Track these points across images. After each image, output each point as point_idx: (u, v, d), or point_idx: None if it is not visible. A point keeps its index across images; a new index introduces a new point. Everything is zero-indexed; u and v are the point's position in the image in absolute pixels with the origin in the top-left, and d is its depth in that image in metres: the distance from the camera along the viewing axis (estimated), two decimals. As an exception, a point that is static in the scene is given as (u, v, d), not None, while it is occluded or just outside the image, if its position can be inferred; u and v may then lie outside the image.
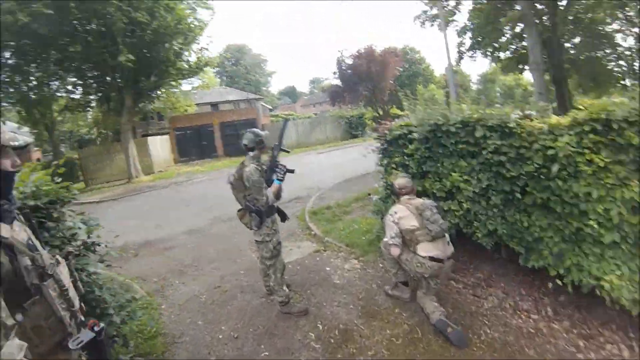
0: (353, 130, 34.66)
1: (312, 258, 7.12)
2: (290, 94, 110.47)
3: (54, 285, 1.98)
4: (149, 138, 28.38)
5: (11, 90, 23.26)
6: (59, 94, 26.23)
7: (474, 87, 76.15)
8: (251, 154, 4.94)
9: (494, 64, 29.51)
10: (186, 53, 24.17)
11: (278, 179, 4.98)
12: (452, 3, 22.63)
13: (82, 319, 2.19)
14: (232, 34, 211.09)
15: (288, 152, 5.49)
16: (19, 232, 1.98)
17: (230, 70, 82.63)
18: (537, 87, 15.27)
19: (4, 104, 24.94)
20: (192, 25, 22.38)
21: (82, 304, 2.26)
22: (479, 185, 4.96)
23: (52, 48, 20.72)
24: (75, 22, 19.39)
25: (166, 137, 32.25)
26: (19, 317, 1.75)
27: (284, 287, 5.20)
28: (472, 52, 24.62)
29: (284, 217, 5.34)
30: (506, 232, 4.84)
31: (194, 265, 7.63)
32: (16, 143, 1.88)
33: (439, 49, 74.99)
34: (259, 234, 4.98)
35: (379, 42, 42.50)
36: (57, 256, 2.15)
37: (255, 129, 5.09)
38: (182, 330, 5.14)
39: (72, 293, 2.11)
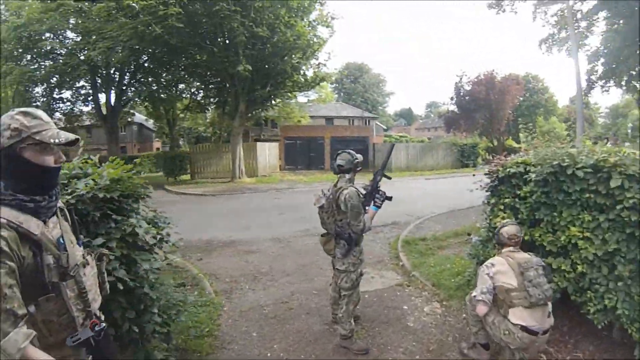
0: (465, 159, 33.36)
1: (392, 291, 6.63)
2: (406, 115, 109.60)
3: (74, 286, 1.96)
4: (258, 143, 29.63)
5: (144, 88, 28.23)
6: (183, 96, 31.47)
7: (601, 120, 70.79)
8: (347, 176, 4.66)
9: (628, 96, 26.28)
10: (303, 67, 24.78)
11: (376, 206, 4.72)
12: (583, 24, 20.54)
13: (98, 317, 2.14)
14: (353, 53, 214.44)
15: (389, 178, 5.27)
16: (52, 229, 1.97)
17: (348, 87, 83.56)
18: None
19: (136, 99, 30.30)
20: (311, 42, 22.88)
21: (98, 312, 2.18)
22: (604, 247, 4.06)
23: (182, 56, 23.72)
24: (203, 34, 21.22)
25: (275, 144, 32.79)
26: (32, 308, 1.77)
27: (351, 321, 4.77)
28: (603, 81, 22.08)
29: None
30: (628, 313, 3.88)
31: (269, 275, 7.53)
32: (57, 140, 1.85)
33: (564, 77, 70.15)
34: (342, 262, 4.68)
35: (500, 68, 40.64)
36: (89, 256, 2.15)
37: (351, 150, 4.80)
38: (234, 338, 5.08)
39: (92, 295, 2.07)
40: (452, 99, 36.31)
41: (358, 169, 4.72)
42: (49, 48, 24.17)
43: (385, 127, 76.57)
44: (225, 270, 7.69)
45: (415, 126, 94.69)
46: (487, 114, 33.61)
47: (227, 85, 25.02)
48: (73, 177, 3.40)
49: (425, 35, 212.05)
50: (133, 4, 18.64)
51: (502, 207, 5.29)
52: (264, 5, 19.71)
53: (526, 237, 4.74)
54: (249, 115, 26.84)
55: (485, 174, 5.68)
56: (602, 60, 21.75)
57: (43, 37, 23.81)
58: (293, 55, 22.81)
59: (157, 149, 50.89)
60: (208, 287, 6.72)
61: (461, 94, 35.10)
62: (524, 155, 5.38)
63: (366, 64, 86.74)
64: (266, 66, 23.15)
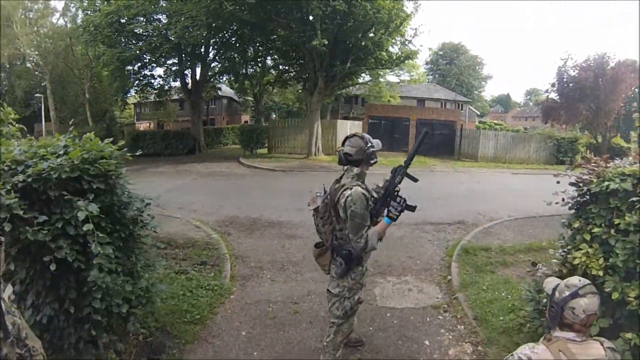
0: (561, 155, 29.32)
1: (422, 315, 5.45)
2: (504, 102, 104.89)
3: None
4: (339, 121, 28.93)
5: (227, 63, 30.20)
6: (266, 70, 33.40)
7: None
8: (356, 170, 3.46)
9: None
10: (386, 43, 23.51)
11: (389, 217, 3.40)
12: None
13: None
14: (450, 33, 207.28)
15: (416, 180, 3.64)
16: None
17: (443, 69, 79.88)
18: None
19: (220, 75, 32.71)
20: (394, 16, 21.54)
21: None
22: None
23: (261, 31, 24.30)
24: (279, 8, 21.09)
25: (359, 122, 31.92)
26: None
27: (337, 354, 3.85)
28: None
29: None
30: None
31: (298, 266, 7.11)
32: None
33: None
34: (337, 283, 3.67)
35: (614, 52, 35.10)
36: None
37: (365, 134, 3.56)
38: (222, 332, 4.86)
39: None
40: (553, 85, 32.04)
41: (373, 160, 3.51)
42: (140, 31, 25.46)
43: (479, 113, 73.32)
44: (256, 254, 7.51)
45: (512, 114, 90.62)
46: (593, 105, 29.42)
47: (306, 60, 24.97)
48: (40, 156, 3.46)
49: (528, 16, 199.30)
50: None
51: (588, 237, 3.58)
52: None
53: (615, 295, 3.14)
54: (328, 92, 26.33)
55: (572, 184, 3.89)
56: None
57: (133, 21, 25.40)
58: (374, 31, 22.07)
59: (246, 121, 51.94)
60: (227, 269, 6.66)
61: (564, 79, 30.90)
62: (635, 163, 3.58)
63: (463, 44, 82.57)
64: (346, 41, 22.73)
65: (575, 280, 2.32)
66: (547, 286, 2.46)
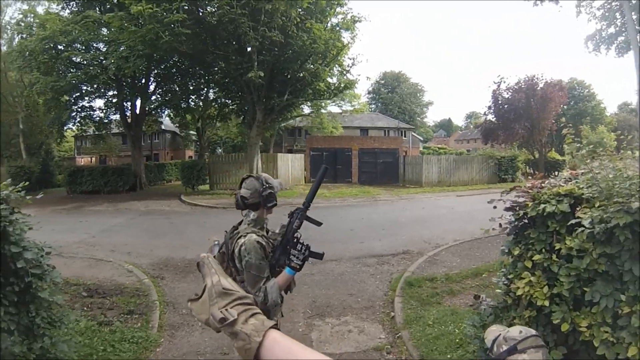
0: (502, 173, 30.77)
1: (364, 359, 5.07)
2: (446, 126, 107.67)
3: None
4: (280, 154, 28.64)
5: (168, 96, 29.43)
6: (207, 104, 32.85)
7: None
8: (252, 215, 3.10)
9: None
10: (323, 74, 23.37)
11: (291, 267, 2.91)
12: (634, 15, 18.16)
13: None
14: (390, 62, 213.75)
15: (319, 224, 3.17)
16: None
17: (385, 97, 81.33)
18: None
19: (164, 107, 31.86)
20: (330, 46, 21.68)
21: None
22: None
23: (200, 64, 23.94)
24: (216, 40, 20.89)
25: (301, 155, 32.12)
26: None
27: None
28: None
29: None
30: None
31: None
32: None
33: (611, 82, 67.27)
34: None
35: (542, 73, 37.80)
36: None
37: (263, 175, 3.23)
38: None
39: None
40: (489, 107, 33.92)
41: (270, 203, 3.11)
42: (77, 59, 24.52)
43: (423, 139, 74.71)
44: (183, 298, 7.01)
45: (455, 137, 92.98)
46: (528, 124, 31.05)
47: (244, 93, 24.26)
48: None
49: (464, 43, 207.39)
50: (140, 11, 18.26)
51: (530, 265, 3.28)
52: (275, 7, 18.48)
53: (565, 327, 2.87)
54: (267, 124, 25.91)
55: (507, 209, 3.57)
56: None
57: (70, 48, 24.22)
58: (312, 61, 22.00)
59: (190, 157, 51.02)
60: (156, 318, 6.18)
61: (499, 102, 32.62)
62: (571, 179, 3.29)
63: (404, 73, 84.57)
64: (284, 73, 22.63)
65: (516, 332, 1.95)
66: (488, 337, 2.09)
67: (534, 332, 1.96)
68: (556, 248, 3.05)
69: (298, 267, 2.89)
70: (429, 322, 5.67)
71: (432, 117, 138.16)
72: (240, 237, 2.93)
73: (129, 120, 28.77)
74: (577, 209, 2.91)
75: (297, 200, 20.66)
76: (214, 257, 2.67)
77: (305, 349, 0.82)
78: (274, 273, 2.94)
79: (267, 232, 3.12)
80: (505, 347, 1.88)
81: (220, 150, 51.14)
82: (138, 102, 28.57)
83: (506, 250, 3.67)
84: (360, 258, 9.35)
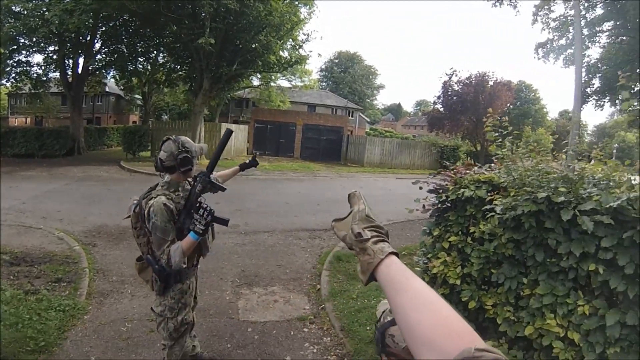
0: (444, 160, 30.99)
1: (286, 328, 5.11)
2: (395, 111, 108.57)
3: None
4: (223, 124, 28.15)
5: (114, 56, 27.65)
6: (156, 68, 31.19)
7: (587, 138, 69.58)
8: (167, 177, 3.11)
9: (617, 117, 25.17)
10: (275, 47, 23.22)
11: (195, 231, 2.89)
12: (585, 33, 18.91)
13: None
14: (347, 43, 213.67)
15: (224, 189, 3.28)
16: None
17: (337, 77, 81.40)
18: None
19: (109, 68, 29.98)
20: (285, 19, 21.62)
21: None
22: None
23: (151, 25, 23.06)
24: (171, 2, 20.17)
25: (244, 126, 31.75)
26: None
27: None
28: (598, 96, 20.83)
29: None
30: None
31: None
32: None
33: (555, 89, 70.21)
34: (159, 302, 3.26)
35: (493, 72, 39.99)
36: None
37: (182, 138, 3.16)
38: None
39: None
40: (438, 97, 34.89)
41: (185, 167, 3.05)
42: (17, 9, 22.32)
43: (370, 121, 75.24)
44: (120, 266, 6.78)
45: (403, 122, 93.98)
46: (474, 118, 31.92)
47: (193, 59, 23.58)
48: None
49: (422, 32, 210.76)
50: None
51: (447, 246, 3.46)
52: (235, -27, 18.05)
53: (472, 304, 3.07)
54: (213, 93, 25.43)
55: (430, 191, 3.72)
56: (600, 74, 20.42)
57: None
58: (265, 33, 21.49)
59: (134, 122, 48.22)
60: (85, 286, 5.97)
61: (449, 93, 33.56)
62: (494, 170, 3.45)
63: (359, 54, 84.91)
64: (236, 42, 22.12)
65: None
66: (379, 309, 2.18)
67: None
68: (471, 231, 3.23)
69: (201, 231, 2.88)
70: (352, 296, 5.81)
71: (382, 100, 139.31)
72: (150, 199, 2.95)
73: (70, 79, 26.87)
74: (493, 196, 3.07)
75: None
76: (129, 216, 2.70)
77: (415, 276, 0.90)
78: (181, 236, 2.94)
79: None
80: (389, 318, 1.99)
81: (166, 116, 49.25)
82: (81, 61, 26.70)
83: (427, 231, 3.84)
84: (292, 231, 9.44)
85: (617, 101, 21.08)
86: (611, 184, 2.74)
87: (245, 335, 4.85)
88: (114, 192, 13.67)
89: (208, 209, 2.90)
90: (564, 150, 4.08)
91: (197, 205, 2.92)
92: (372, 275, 0.96)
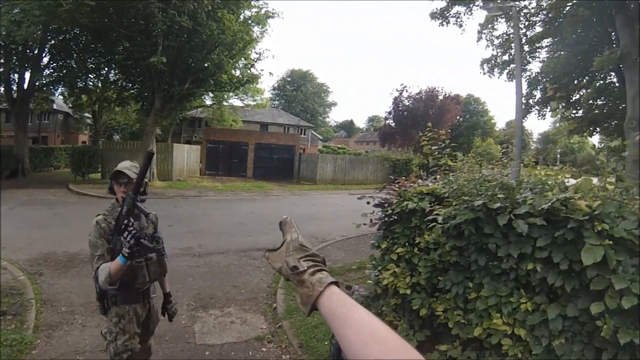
0: (397, 175, 31.40)
1: (244, 349, 5.04)
2: (347, 128, 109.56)
3: None
4: (176, 144, 27.41)
5: (63, 72, 26.08)
6: (107, 86, 29.66)
7: (533, 145, 72.97)
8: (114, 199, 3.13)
9: (559, 124, 26.21)
10: (227, 66, 23.06)
11: (122, 255, 2.70)
12: (525, 49, 19.95)
13: None
14: (299, 61, 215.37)
15: (147, 214, 3.16)
16: None
17: (289, 95, 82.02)
18: (633, 150, 11.45)
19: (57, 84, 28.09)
20: (238, 38, 21.47)
21: None
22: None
23: (102, 40, 22.13)
24: (122, 18, 19.68)
25: (197, 147, 31.18)
26: None
27: None
28: (540, 107, 21.78)
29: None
30: None
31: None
32: None
33: (501, 101, 72.75)
34: (105, 323, 3.21)
35: (442, 86, 41.72)
36: None
37: (128, 162, 3.18)
38: None
39: None
40: (389, 113, 35.63)
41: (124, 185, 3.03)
42: None
43: (323, 138, 75.74)
44: (69, 295, 6.45)
45: (355, 138, 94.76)
46: (424, 131, 32.47)
47: (145, 78, 22.92)
48: None
49: (372, 50, 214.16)
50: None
51: (395, 257, 3.55)
52: (189, -9, 17.92)
53: (423, 312, 3.17)
54: (165, 113, 24.81)
55: (376, 205, 3.80)
56: (540, 86, 21.33)
57: None
58: (217, 52, 21.27)
59: (84, 142, 46.94)
60: (32, 318, 5.69)
61: (400, 108, 34.38)
62: (436, 181, 3.56)
63: (311, 72, 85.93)
64: (188, 61, 21.74)
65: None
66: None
67: None
68: (417, 242, 3.33)
69: (127, 254, 2.71)
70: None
71: (335, 117, 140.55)
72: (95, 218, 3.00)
73: (15, 95, 25.54)
74: (434, 207, 3.18)
75: (189, 192, 20.52)
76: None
77: (357, 306, 0.88)
78: (114, 257, 2.83)
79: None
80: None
81: (117, 136, 47.83)
82: (27, 75, 25.41)
83: (376, 245, 3.93)
84: (246, 251, 9.41)
85: (557, 109, 22.01)
86: (546, 187, 2.88)
87: (203, 359, 4.79)
88: (61, 217, 13.06)
89: (133, 232, 2.72)
90: (504, 158, 4.22)
91: (122, 227, 2.79)
92: (313, 306, 0.95)
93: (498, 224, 2.69)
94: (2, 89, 26.23)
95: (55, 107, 37.80)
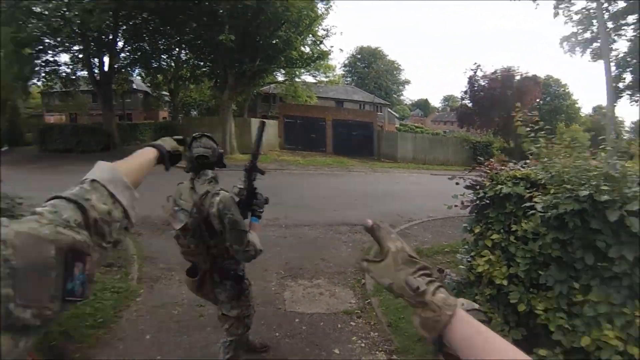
0: (477, 157, 30.33)
1: (333, 321, 5.15)
2: (423, 106, 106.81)
3: None
4: (253, 119, 28.22)
5: (138, 54, 28.38)
6: (180, 65, 31.58)
7: (626, 136, 67.72)
8: (211, 173, 2.96)
9: None
10: (296, 43, 23.34)
11: (256, 216, 2.99)
12: (610, 25, 18.00)
13: None
14: (369, 38, 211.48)
15: (262, 172, 3.09)
16: None
17: (361, 72, 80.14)
18: None
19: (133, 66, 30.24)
20: (303, 15, 21.53)
21: None
22: None
23: (172, 22, 23.21)
24: (188, 1, 20.57)
25: (274, 122, 31.61)
26: None
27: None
28: (631, 92, 19.98)
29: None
30: None
31: None
32: None
33: (586, 84, 67.44)
34: (231, 306, 3.15)
35: (518, 67, 38.98)
36: None
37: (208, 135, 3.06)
38: (126, 335, 4.58)
39: None
40: (465, 92, 34.56)
41: (221, 162, 3.08)
42: (38, 9, 22.44)
43: (399, 116, 74.44)
44: (166, 255, 6.94)
45: (431, 118, 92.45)
46: (504, 113, 30.93)
47: (216, 56, 23.88)
48: None
49: (444, 27, 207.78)
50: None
51: (490, 244, 3.44)
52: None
53: (521, 307, 3.00)
54: (239, 89, 25.59)
55: (467, 187, 3.83)
56: (630, 68, 19.56)
57: None
58: (284, 29, 21.79)
59: (164, 118, 48.92)
60: (135, 271, 6.35)
61: (475, 88, 33.22)
62: (530, 166, 3.53)
63: (381, 49, 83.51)
64: (256, 39, 22.18)
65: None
66: None
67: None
68: (513, 229, 3.21)
69: (261, 214, 3.02)
70: (399, 293, 5.83)
71: (409, 96, 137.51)
72: (214, 196, 2.79)
73: (98, 77, 27.13)
74: (532, 193, 3.11)
75: (271, 165, 21.04)
76: (186, 224, 2.81)
77: (491, 332, 0.82)
78: None
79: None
80: None
81: (194, 112, 49.24)
82: (106, 59, 27.05)
83: (468, 228, 3.87)
84: (333, 225, 9.53)
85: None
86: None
87: (293, 325, 4.94)
88: (152, 185, 14.00)
89: (261, 193, 3.02)
90: (600, 147, 3.89)
91: (255, 191, 2.98)
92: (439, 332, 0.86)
93: (607, 220, 2.44)
94: (86, 72, 27.78)
95: (134, 86, 39.55)
